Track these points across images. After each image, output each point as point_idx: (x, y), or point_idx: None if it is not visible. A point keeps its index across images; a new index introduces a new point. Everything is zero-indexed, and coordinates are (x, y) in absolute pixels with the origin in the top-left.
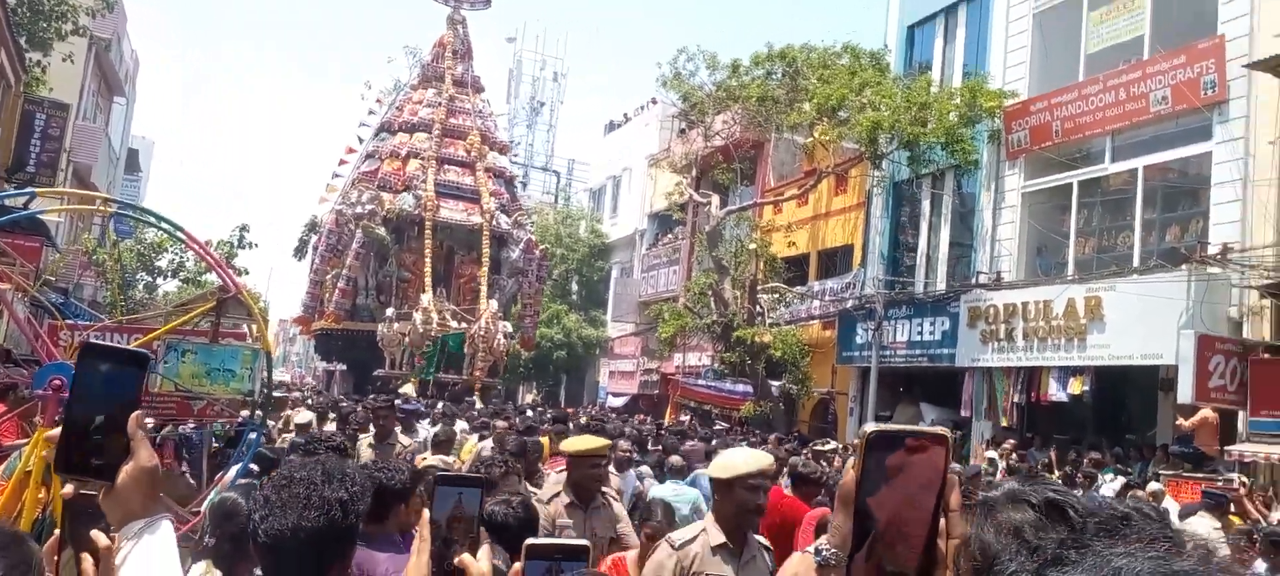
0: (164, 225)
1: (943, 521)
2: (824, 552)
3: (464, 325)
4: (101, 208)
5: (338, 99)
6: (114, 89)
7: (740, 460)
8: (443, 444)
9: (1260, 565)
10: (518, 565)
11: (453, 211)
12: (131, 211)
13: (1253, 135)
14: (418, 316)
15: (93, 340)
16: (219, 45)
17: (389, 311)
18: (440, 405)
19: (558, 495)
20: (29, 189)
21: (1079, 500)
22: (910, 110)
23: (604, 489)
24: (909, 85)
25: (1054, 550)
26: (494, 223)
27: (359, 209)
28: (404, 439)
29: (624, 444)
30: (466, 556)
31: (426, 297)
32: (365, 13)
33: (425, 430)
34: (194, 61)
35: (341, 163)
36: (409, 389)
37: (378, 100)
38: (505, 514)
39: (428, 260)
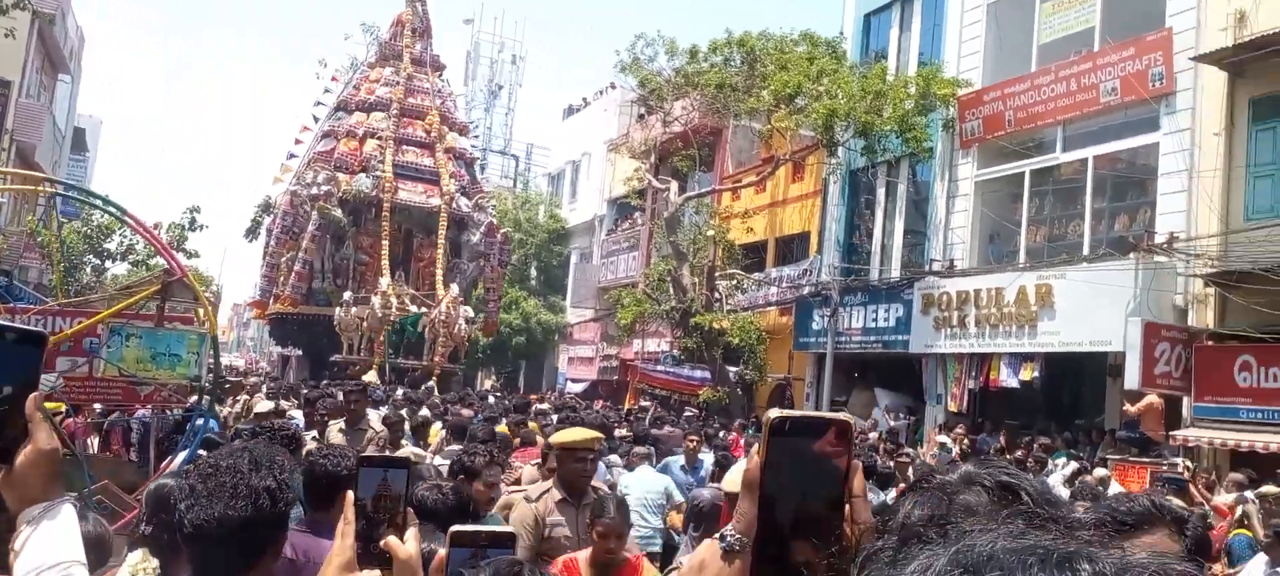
0: (108, 208)
1: (848, 507)
2: (728, 538)
3: (423, 310)
4: (42, 188)
5: (293, 76)
6: (58, 66)
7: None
8: (421, 429)
9: (1261, 563)
10: (442, 551)
11: (411, 193)
12: (75, 193)
13: (1198, 127)
14: (376, 300)
15: None
16: (170, 22)
17: (346, 295)
18: (401, 392)
19: (548, 491)
20: None
21: (1031, 482)
22: (866, 98)
23: (595, 484)
24: (865, 73)
25: (918, 528)
26: (454, 205)
27: (314, 189)
28: (377, 425)
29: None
30: (392, 538)
31: (385, 281)
32: None
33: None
34: (143, 39)
35: (297, 142)
36: (372, 376)
37: (334, 78)
38: (436, 499)
39: (386, 243)
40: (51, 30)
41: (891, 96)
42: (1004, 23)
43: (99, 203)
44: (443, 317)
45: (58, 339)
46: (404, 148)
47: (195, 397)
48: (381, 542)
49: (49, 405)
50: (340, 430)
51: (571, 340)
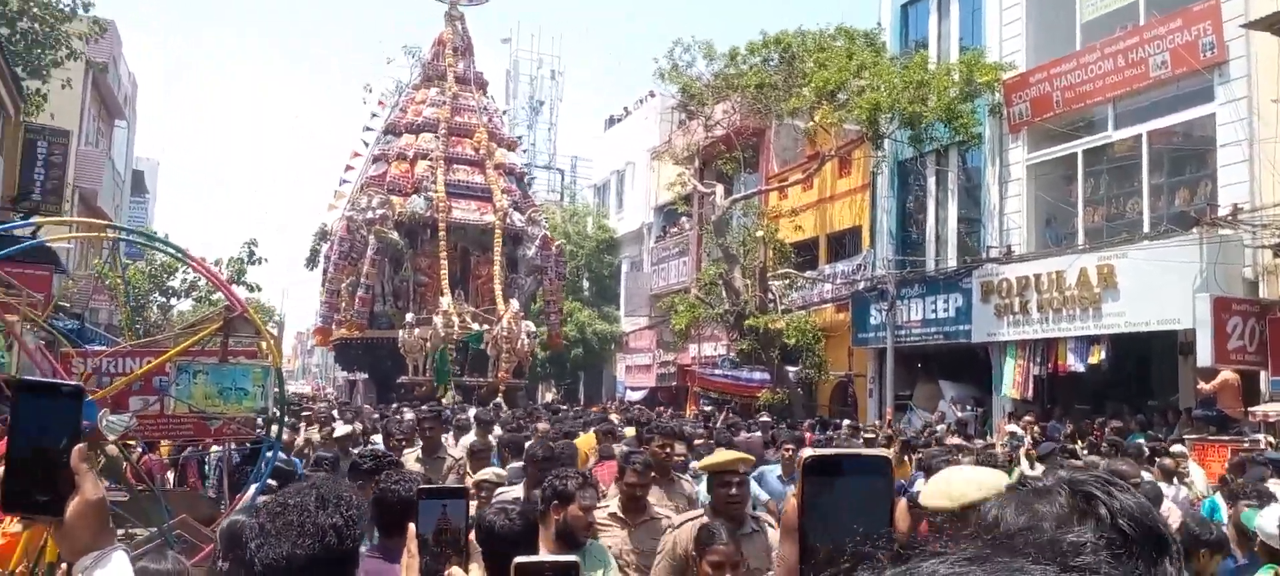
0: (168, 248)
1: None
2: None
3: (485, 326)
4: (106, 234)
5: (340, 103)
6: (114, 112)
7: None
8: (480, 454)
9: None
10: None
11: (465, 211)
12: (136, 237)
13: (1255, 94)
14: (438, 320)
15: (26, 377)
16: (215, 61)
17: (408, 317)
18: (474, 411)
19: (698, 518)
20: (33, 219)
21: (1128, 499)
22: (909, 89)
23: (753, 512)
24: (906, 64)
25: (898, 549)
26: (507, 220)
27: (369, 214)
28: (456, 451)
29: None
30: (455, 569)
31: (445, 300)
32: (360, 15)
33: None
34: (192, 80)
35: (348, 168)
36: (448, 397)
37: (380, 103)
38: (504, 525)
39: (444, 262)
40: (105, 78)
41: (935, 85)
42: (1044, 3)
43: (160, 245)
44: (505, 333)
45: (130, 379)
46: (455, 166)
47: (263, 429)
48: (445, 575)
49: (128, 442)
50: (417, 459)
51: (627, 349)
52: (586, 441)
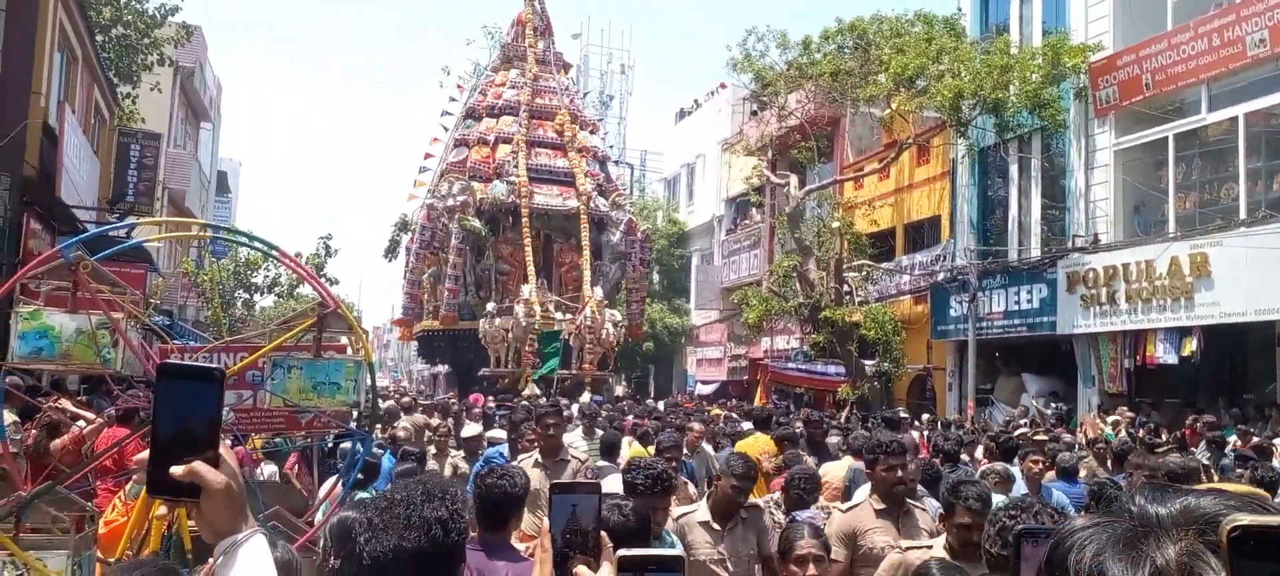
0: (258, 244)
1: None
2: None
3: (568, 315)
4: (198, 233)
5: (418, 93)
6: (200, 115)
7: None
8: (611, 450)
9: None
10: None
11: (547, 197)
12: (227, 234)
13: None
14: (520, 309)
15: (169, 360)
16: (294, 59)
17: (490, 306)
18: (576, 407)
19: (861, 505)
20: (130, 219)
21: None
22: (991, 74)
23: (909, 500)
24: (988, 49)
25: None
26: (591, 205)
27: (450, 201)
28: (579, 453)
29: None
30: (582, 568)
31: (528, 288)
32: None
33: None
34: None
35: (428, 156)
36: (532, 388)
37: (459, 86)
38: (618, 521)
39: (527, 249)
40: (191, 82)
41: (1019, 70)
42: None
43: (258, 244)
44: (588, 323)
45: (228, 373)
46: (536, 150)
47: (355, 423)
48: (575, 571)
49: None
50: (536, 463)
51: (698, 342)
52: (758, 443)
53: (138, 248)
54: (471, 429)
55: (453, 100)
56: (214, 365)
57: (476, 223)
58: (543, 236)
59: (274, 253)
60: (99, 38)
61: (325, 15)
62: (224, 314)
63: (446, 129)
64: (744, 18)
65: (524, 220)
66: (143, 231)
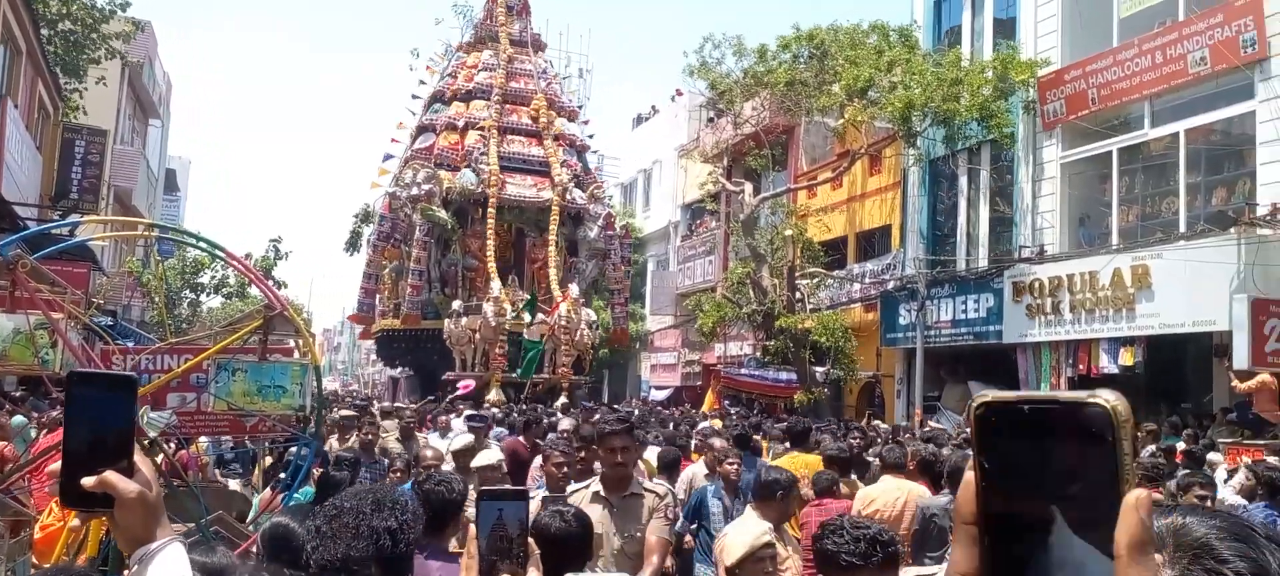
0: (204, 245)
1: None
2: None
3: (541, 316)
4: (144, 233)
5: (383, 78)
6: (149, 111)
7: None
8: (672, 467)
9: None
10: None
11: (520, 187)
12: (174, 234)
13: None
14: (488, 308)
15: (79, 369)
16: (251, 47)
17: (456, 305)
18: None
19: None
20: (73, 217)
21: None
22: (942, 86)
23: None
24: (939, 61)
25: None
26: (567, 198)
27: (414, 190)
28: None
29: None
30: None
31: (496, 286)
32: None
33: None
34: (226, 70)
35: (393, 142)
36: (495, 393)
37: (428, 68)
38: (559, 526)
39: (493, 243)
40: (140, 78)
41: (969, 83)
42: None
43: (204, 245)
44: (562, 323)
45: (172, 376)
46: (509, 137)
47: (303, 427)
48: None
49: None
50: (597, 496)
51: (652, 348)
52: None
53: (81, 246)
54: (462, 441)
55: (422, 83)
56: (129, 372)
57: (443, 214)
58: (515, 230)
59: (220, 254)
60: (45, 31)
61: (286, 5)
62: (169, 314)
63: (414, 114)
64: (701, 25)
65: (491, 212)
66: (87, 230)
